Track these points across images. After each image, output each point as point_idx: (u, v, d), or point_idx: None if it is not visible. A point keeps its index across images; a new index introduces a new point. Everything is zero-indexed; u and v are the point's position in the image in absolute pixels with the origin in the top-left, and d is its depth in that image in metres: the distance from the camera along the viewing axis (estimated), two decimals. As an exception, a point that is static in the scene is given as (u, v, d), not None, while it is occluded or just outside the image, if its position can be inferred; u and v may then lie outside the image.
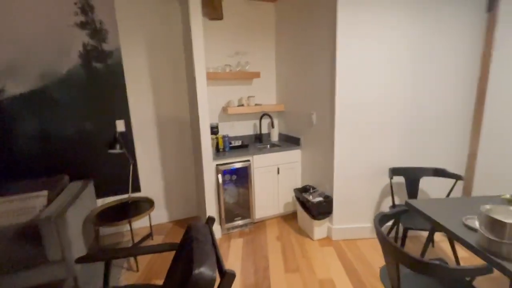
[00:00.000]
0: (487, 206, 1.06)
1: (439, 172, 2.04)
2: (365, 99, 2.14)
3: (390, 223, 2.32)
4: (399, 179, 2.26)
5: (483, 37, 2.06)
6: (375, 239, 2.38)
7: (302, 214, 2.57)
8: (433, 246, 2.25)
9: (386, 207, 2.35)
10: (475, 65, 2.11)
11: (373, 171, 2.27)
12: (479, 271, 0.90)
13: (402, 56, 2.08)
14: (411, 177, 2.11)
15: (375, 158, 2.25)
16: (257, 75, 2.92)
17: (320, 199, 2.38)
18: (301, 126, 2.80)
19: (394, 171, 2.12)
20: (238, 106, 2.96)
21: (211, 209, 2.46)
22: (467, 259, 2.04)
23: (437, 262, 0.93)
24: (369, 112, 2.16)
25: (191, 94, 2.57)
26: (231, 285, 1.04)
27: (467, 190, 2.24)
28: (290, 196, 2.87)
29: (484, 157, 2.09)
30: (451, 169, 2.23)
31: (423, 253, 1.65)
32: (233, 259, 2.19)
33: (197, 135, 2.45)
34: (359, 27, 2.02)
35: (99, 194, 2.57)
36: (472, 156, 2.17)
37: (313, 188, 2.60)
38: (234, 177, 2.61)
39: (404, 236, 1.89)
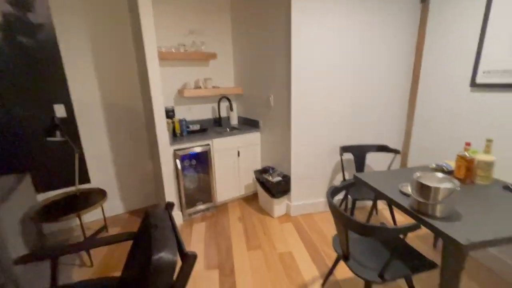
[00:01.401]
0: (418, 174, 1.22)
1: (381, 148, 2.28)
2: (318, 83, 2.24)
3: (341, 196, 2.55)
4: (349, 156, 2.47)
5: (417, 26, 2.28)
6: (329, 212, 2.60)
7: (262, 194, 2.66)
8: (376, 213, 2.54)
9: (338, 182, 2.56)
10: (411, 52, 2.34)
11: (326, 150, 2.43)
12: (410, 228, 1.05)
13: (350, 45, 2.20)
14: (359, 153, 2.33)
15: (328, 137, 2.40)
16: (213, 56, 2.83)
17: (279, 178, 2.48)
18: (260, 109, 2.84)
19: (344, 149, 2.30)
20: (195, 88, 2.85)
21: (171, 196, 2.39)
22: (403, 222, 2.36)
23: (377, 224, 1.06)
24: (322, 95, 2.28)
25: (142, 75, 2.38)
26: (192, 266, 1.05)
27: (403, 162, 2.56)
28: (251, 178, 2.94)
29: (417, 134, 2.38)
30: (391, 145, 2.52)
31: (368, 219, 1.86)
32: (196, 243, 2.20)
33: (151, 119, 2.31)
34: (312, 14, 2.07)
35: (40, 188, 2.30)
36: (408, 134, 2.46)
37: (273, 168, 2.69)
38: (194, 162, 2.56)
39: (353, 207, 2.10)
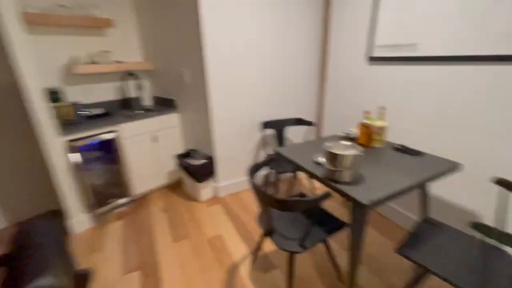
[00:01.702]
0: (329, 144, 1.28)
1: (298, 121, 2.39)
2: (235, 59, 2.11)
3: (266, 171, 2.61)
4: (271, 131, 2.50)
5: (323, 1, 2.37)
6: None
7: (187, 179, 2.49)
8: (298, 184, 2.72)
9: (262, 158, 2.60)
10: (320, 26, 2.44)
11: (248, 126, 2.40)
12: (322, 197, 1.09)
13: (263, 19, 2.12)
14: (279, 128, 2.37)
15: (249, 114, 2.36)
16: (109, 23, 2.33)
17: (203, 161, 2.34)
18: (176, 87, 2.55)
19: (265, 125, 2.31)
20: (91, 63, 2.32)
21: (71, 197, 1.97)
22: (321, 188, 2.59)
23: (295, 198, 1.06)
24: (240, 71, 2.17)
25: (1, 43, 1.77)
26: (85, 285, 0.84)
27: (319, 133, 2.77)
28: (173, 164, 2.70)
29: (329, 105, 2.58)
30: (309, 117, 2.68)
31: (289, 191, 1.94)
32: (111, 247, 1.90)
33: (24, 104, 1.77)
34: (222, -27, 1.87)
35: None
36: (321, 105, 2.64)
37: (196, 151, 2.52)
38: (99, 152, 2.15)
39: (277, 180, 2.16)
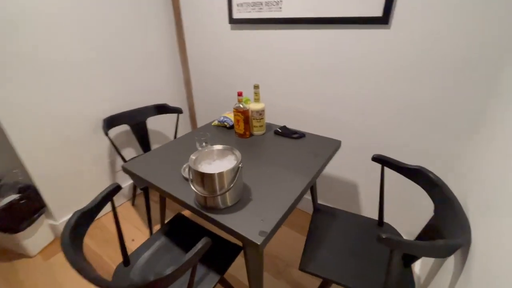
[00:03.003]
0: (193, 157, 0.85)
1: (161, 109, 1.81)
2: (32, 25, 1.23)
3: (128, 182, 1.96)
4: (125, 128, 1.82)
5: None
6: (126, 203, 1.96)
7: (-9, 231, 1.52)
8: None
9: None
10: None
11: (86, 130, 1.62)
12: (200, 252, 0.69)
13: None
14: (136, 121, 1.72)
15: (85, 112, 1.57)
16: None
17: (14, 196, 1.44)
18: None
19: (111, 121, 1.60)
20: None
21: None
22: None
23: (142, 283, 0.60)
24: (50, 45, 1.32)
25: None
26: None
27: (193, 121, 2.27)
28: (-43, 210, 1.59)
29: (197, 85, 2.08)
30: (174, 102, 2.11)
31: (162, 218, 1.42)
32: None
33: None
34: None
35: None
36: (188, 85, 2.11)
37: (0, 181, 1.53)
38: None
39: (147, 198, 1.58)
